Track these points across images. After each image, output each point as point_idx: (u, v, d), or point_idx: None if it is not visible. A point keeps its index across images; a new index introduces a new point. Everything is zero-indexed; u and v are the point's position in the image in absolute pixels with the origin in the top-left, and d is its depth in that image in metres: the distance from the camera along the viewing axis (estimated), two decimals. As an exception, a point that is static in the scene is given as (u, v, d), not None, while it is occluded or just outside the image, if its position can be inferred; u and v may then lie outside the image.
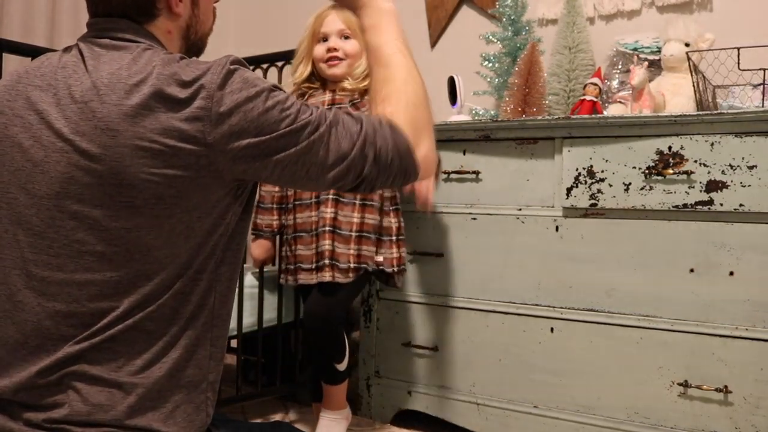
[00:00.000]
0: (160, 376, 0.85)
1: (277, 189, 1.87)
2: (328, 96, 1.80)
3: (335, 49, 1.77)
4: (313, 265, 1.75)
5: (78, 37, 0.94)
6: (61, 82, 0.86)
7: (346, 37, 1.78)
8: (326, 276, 1.72)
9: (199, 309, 0.89)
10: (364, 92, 1.76)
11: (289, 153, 0.85)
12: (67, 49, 0.93)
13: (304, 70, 1.84)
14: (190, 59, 0.88)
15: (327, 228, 1.73)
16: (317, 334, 1.77)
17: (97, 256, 0.83)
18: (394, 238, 1.80)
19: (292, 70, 1.89)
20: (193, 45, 1.02)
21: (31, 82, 0.89)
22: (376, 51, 1.00)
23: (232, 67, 0.85)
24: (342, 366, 1.80)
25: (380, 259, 1.77)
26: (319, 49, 1.80)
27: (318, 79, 1.85)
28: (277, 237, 1.98)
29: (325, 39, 1.79)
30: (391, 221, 1.80)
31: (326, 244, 1.73)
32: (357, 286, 1.82)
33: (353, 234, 1.74)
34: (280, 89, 0.89)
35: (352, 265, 1.73)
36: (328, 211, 1.74)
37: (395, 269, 1.78)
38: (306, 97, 1.84)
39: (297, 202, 1.80)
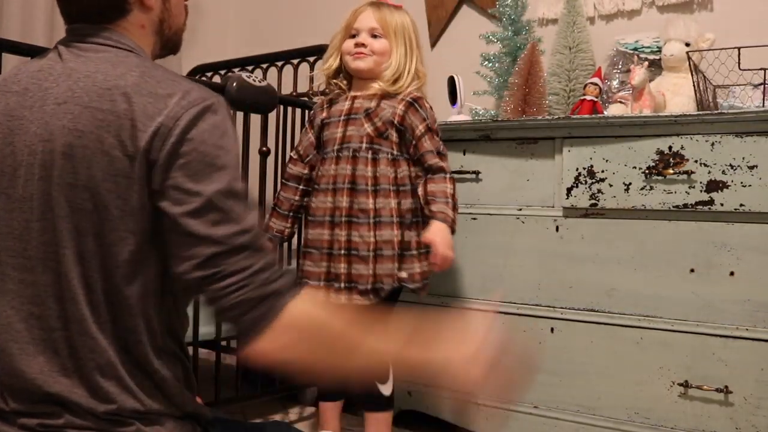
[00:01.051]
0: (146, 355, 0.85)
1: (296, 197, 1.85)
2: (347, 105, 1.77)
3: (363, 45, 1.74)
4: (321, 282, 1.74)
5: (56, 42, 0.94)
6: (37, 86, 0.87)
7: (377, 36, 1.75)
8: (341, 298, 1.71)
9: (158, 278, 0.87)
10: (384, 96, 1.73)
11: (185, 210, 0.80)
12: (44, 54, 0.93)
13: (333, 63, 1.82)
14: (167, 72, 0.87)
15: (342, 251, 1.72)
16: None
17: (67, 255, 0.83)
18: (415, 252, 1.73)
19: (323, 61, 1.88)
20: (168, 41, 1.01)
21: (9, 89, 0.89)
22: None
23: (205, 105, 0.84)
24: (386, 389, 1.74)
25: (404, 275, 1.71)
26: (348, 44, 1.77)
27: (345, 77, 1.83)
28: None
29: (356, 35, 1.77)
30: (412, 235, 1.73)
31: (342, 266, 1.71)
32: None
33: (371, 254, 1.70)
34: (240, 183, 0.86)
35: (370, 287, 1.70)
36: (343, 233, 1.72)
37: (419, 285, 1.73)
38: (329, 105, 1.81)
39: (310, 218, 1.80)
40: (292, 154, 1.91)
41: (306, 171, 1.84)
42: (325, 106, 1.83)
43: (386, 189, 1.71)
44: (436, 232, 1.66)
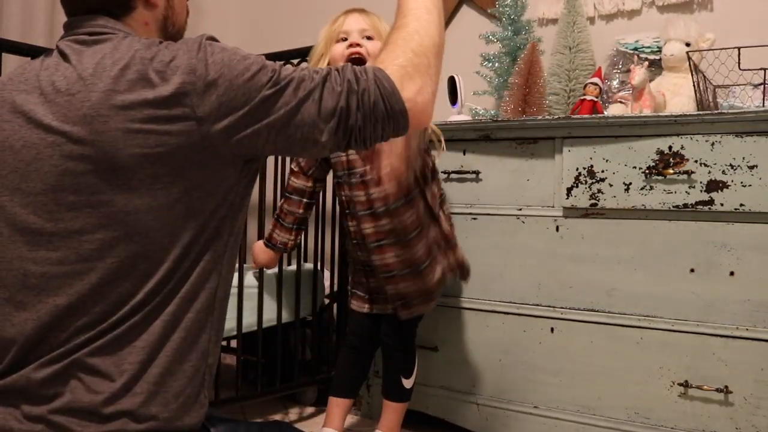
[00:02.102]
0: (162, 362, 0.86)
1: (300, 210, 1.84)
2: None
3: (358, 44, 1.64)
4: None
5: (57, 40, 0.95)
6: (45, 81, 0.87)
7: (369, 38, 1.67)
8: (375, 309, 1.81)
9: (201, 292, 0.89)
10: None
11: (279, 115, 0.85)
12: (47, 54, 0.94)
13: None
14: (169, 42, 0.89)
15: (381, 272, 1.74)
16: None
17: (97, 243, 0.83)
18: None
19: None
20: (171, 38, 1.02)
21: (16, 87, 0.90)
22: (401, 4, 1.00)
23: (207, 41, 0.87)
24: (408, 383, 1.83)
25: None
26: (338, 48, 1.67)
27: None
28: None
29: (345, 38, 1.68)
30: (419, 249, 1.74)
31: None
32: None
33: (395, 273, 1.73)
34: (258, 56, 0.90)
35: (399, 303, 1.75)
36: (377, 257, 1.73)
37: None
38: None
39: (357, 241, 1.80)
40: (293, 167, 1.88)
41: (309, 184, 1.83)
42: None
43: (396, 207, 1.68)
44: None
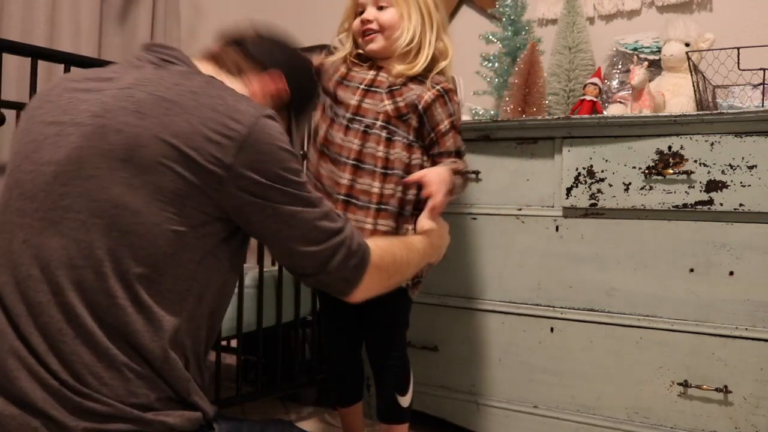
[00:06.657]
0: (155, 359, 0.87)
1: None
2: (370, 75, 1.60)
3: (369, 21, 1.57)
4: None
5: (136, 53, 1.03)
6: (108, 76, 0.93)
7: (382, 8, 1.57)
8: None
9: (198, 298, 0.93)
10: (411, 78, 1.57)
11: (291, 209, 0.93)
12: (114, 62, 1.04)
13: (346, 44, 1.65)
14: (242, 95, 0.95)
15: None
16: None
17: (78, 223, 0.85)
18: None
19: (334, 46, 1.71)
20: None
21: (73, 78, 0.96)
22: (413, 243, 1.31)
23: (271, 113, 0.94)
24: (404, 401, 1.66)
25: None
26: (356, 23, 1.61)
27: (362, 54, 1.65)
28: None
29: (362, 11, 1.60)
30: (409, 228, 1.58)
31: None
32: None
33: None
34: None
35: None
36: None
37: (409, 283, 1.59)
38: (347, 72, 1.63)
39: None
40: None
41: None
42: (349, 60, 1.65)
43: (398, 175, 1.54)
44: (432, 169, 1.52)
